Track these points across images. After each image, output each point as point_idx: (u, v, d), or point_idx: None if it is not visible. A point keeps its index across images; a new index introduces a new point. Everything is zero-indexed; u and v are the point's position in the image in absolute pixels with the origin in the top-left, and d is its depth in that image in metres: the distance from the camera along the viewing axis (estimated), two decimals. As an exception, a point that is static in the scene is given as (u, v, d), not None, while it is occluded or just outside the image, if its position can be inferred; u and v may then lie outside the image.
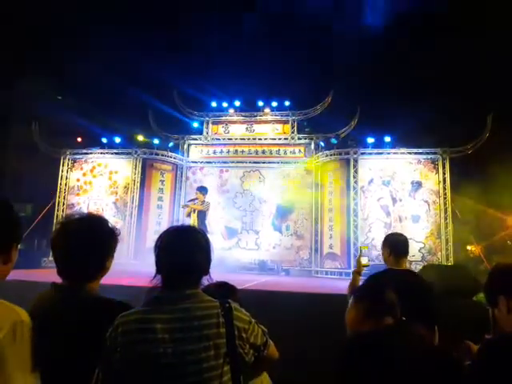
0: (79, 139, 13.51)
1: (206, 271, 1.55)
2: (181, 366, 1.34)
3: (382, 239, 3.33)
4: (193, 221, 9.01)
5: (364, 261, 3.43)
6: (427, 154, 11.67)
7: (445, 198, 11.30)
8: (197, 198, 9.82)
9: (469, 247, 12.14)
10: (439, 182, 11.41)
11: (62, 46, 13.11)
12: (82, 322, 1.42)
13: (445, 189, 11.36)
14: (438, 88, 12.15)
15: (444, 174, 11.46)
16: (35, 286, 6.11)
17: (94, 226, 1.62)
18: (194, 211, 9.40)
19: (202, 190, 10.21)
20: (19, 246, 1.22)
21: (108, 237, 1.64)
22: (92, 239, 1.58)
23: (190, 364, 1.34)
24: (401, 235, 3.38)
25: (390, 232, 11.00)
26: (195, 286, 1.49)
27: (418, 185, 11.47)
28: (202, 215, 9.43)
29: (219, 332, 1.39)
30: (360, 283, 3.37)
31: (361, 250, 3.58)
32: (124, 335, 1.36)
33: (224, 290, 1.85)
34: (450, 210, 11.24)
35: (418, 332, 1.46)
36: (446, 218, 11.21)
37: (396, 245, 3.14)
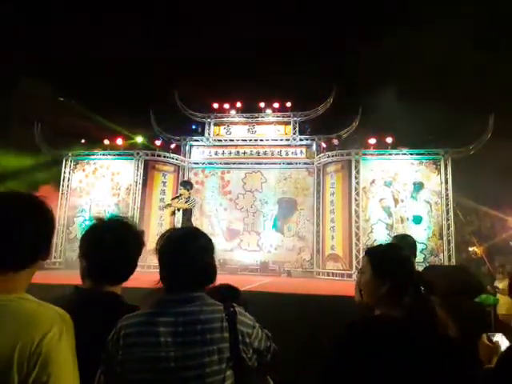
0: (81, 141, 13.53)
1: (211, 273, 1.54)
2: (183, 370, 1.32)
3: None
4: (177, 220, 8.34)
5: None
6: (429, 154, 11.65)
7: (447, 199, 11.28)
8: (181, 195, 8.67)
9: (471, 248, 12.10)
10: (441, 182, 11.39)
11: (63, 47, 13.15)
12: (102, 325, 1.39)
13: (447, 189, 11.33)
14: (439, 88, 12.14)
15: (446, 174, 11.43)
16: (39, 287, 6.12)
17: (126, 228, 1.63)
18: (179, 210, 8.39)
19: (186, 184, 9.00)
20: None
21: (138, 241, 1.64)
22: (125, 242, 1.57)
23: (193, 368, 1.33)
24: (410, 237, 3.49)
25: (391, 232, 10.95)
26: (200, 288, 1.47)
27: (419, 186, 11.45)
28: (187, 213, 8.55)
29: (223, 336, 1.37)
30: None
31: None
32: (126, 338, 1.35)
33: (226, 293, 1.85)
34: (451, 210, 11.22)
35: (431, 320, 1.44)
36: (448, 219, 11.18)
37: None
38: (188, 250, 1.48)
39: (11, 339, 1.00)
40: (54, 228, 1.25)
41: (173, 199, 8.88)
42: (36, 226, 1.17)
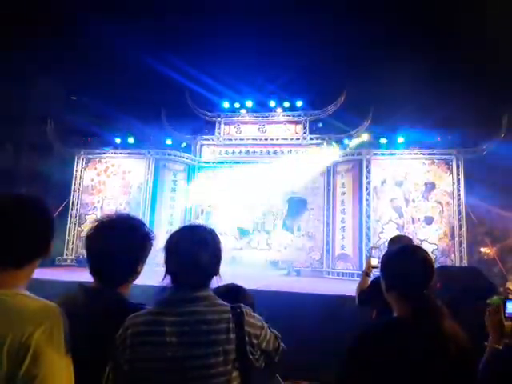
0: (93, 139, 13.66)
1: (216, 271, 1.52)
2: (188, 370, 1.32)
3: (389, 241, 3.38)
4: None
5: (374, 262, 3.40)
6: (441, 154, 11.54)
7: (458, 200, 11.16)
8: None
9: (483, 249, 11.96)
10: (453, 183, 11.28)
11: (75, 46, 13.27)
12: (106, 325, 1.38)
13: (458, 190, 11.22)
14: (452, 88, 12.01)
15: (458, 175, 11.31)
16: (49, 284, 6.19)
17: (131, 228, 1.58)
18: (202, 213, 9.30)
19: None
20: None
21: (144, 241, 1.60)
22: (128, 242, 1.53)
23: (198, 369, 1.32)
24: (406, 237, 3.42)
25: (402, 234, 10.92)
26: (205, 287, 1.46)
27: (431, 186, 11.35)
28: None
29: (229, 337, 1.36)
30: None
31: (371, 251, 3.56)
32: (133, 337, 1.35)
33: (234, 293, 1.84)
34: (463, 211, 11.10)
35: (441, 322, 1.43)
36: (459, 220, 11.06)
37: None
38: (194, 248, 1.46)
39: (3, 331, 1.04)
40: (53, 227, 1.27)
41: None
42: (35, 225, 1.21)
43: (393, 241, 3.38)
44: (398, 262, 1.58)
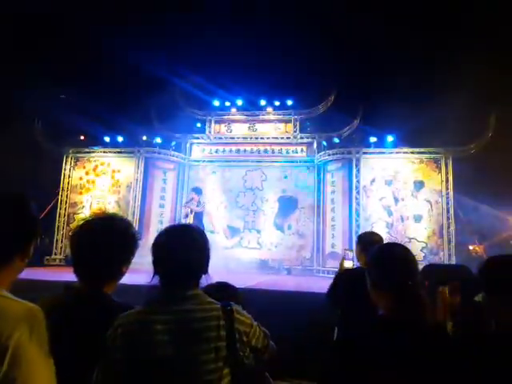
0: (82, 138, 13.55)
1: (204, 270, 1.52)
2: (179, 368, 1.33)
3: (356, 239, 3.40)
4: (189, 221, 9.34)
5: (348, 264, 3.39)
6: (430, 153, 11.66)
7: (447, 198, 11.28)
8: (192, 199, 10.17)
9: (471, 247, 12.10)
10: (442, 181, 11.40)
11: (63, 45, 13.15)
12: (92, 325, 1.38)
13: (447, 188, 11.34)
14: (441, 87, 12.11)
15: (447, 173, 11.44)
16: (37, 284, 6.13)
17: (117, 228, 1.58)
18: (191, 212, 9.72)
19: (197, 190, 10.62)
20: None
21: (129, 241, 1.60)
22: (113, 242, 1.53)
23: (189, 366, 1.33)
24: (376, 234, 3.42)
25: (391, 231, 10.96)
26: (194, 286, 1.47)
27: (420, 184, 11.46)
28: (199, 215, 9.78)
29: (219, 335, 1.37)
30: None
31: (345, 253, 3.52)
32: (123, 336, 1.35)
33: (224, 291, 1.84)
34: (452, 209, 11.23)
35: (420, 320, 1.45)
36: (448, 218, 11.19)
37: (369, 245, 3.08)
38: (182, 247, 1.47)
39: None
40: (33, 225, 1.22)
41: (186, 203, 10.51)
42: (9, 224, 1.16)
43: (364, 243, 3.32)
44: (379, 261, 1.61)
